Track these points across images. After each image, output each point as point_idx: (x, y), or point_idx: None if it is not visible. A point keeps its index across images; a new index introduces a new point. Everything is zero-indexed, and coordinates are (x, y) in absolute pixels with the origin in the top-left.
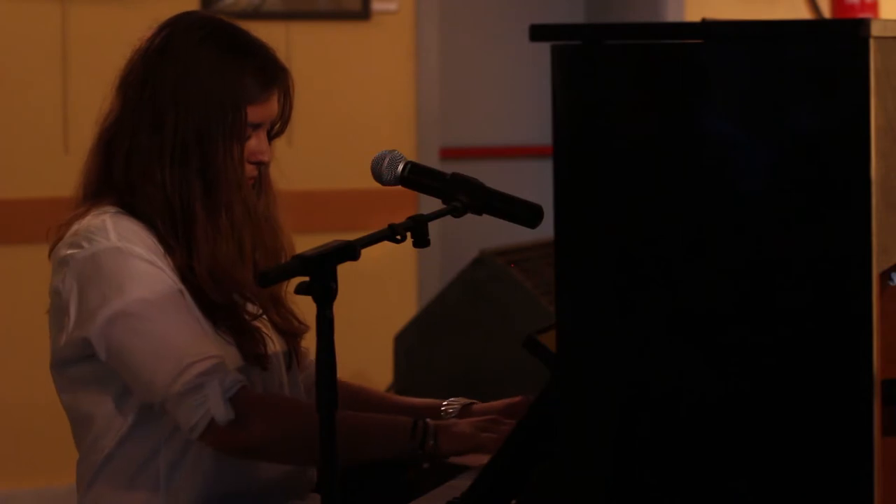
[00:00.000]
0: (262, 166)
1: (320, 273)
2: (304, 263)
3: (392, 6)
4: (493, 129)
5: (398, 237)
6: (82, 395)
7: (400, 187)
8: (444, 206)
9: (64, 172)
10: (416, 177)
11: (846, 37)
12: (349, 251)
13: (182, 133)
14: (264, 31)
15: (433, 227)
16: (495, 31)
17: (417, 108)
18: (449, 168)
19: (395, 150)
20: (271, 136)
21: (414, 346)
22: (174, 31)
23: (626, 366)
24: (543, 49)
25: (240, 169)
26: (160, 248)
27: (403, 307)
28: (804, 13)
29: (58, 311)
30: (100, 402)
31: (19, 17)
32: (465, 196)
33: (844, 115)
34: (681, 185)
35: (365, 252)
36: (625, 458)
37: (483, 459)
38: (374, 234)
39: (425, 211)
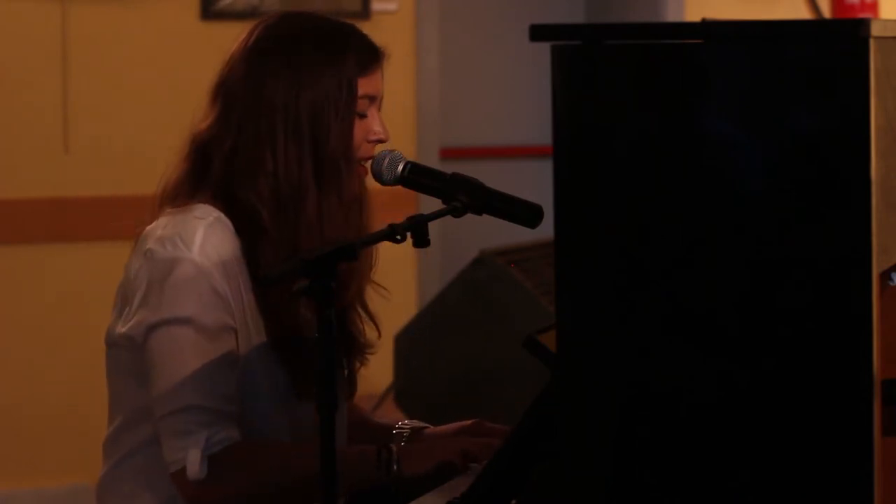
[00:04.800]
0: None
1: (320, 273)
2: (303, 264)
3: (392, 6)
4: (493, 129)
5: (398, 237)
6: (122, 380)
7: (400, 187)
8: (444, 206)
9: (64, 172)
10: (416, 177)
11: (846, 37)
12: (349, 251)
13: (294, 114)
14: None
15: (433, 227)
16: (495, 31)
17: (417, 108)
18: (449, 168)
19: (395, 150)
20: None
21: (414, 346)
22: (269, 28)
23: (626, 366)
24: (543, 49)
25: (351, 146)
26: (243, 262)
27: (403, 307)
28: (804, 13)
29: (125, 295)
30: (135, 395)
31: (19, 17)
32: (465, 196)
33: (844, 115)
34: (681, 185)
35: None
36: (625, 458)
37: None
38: (373, 234)
39: (425, 211)
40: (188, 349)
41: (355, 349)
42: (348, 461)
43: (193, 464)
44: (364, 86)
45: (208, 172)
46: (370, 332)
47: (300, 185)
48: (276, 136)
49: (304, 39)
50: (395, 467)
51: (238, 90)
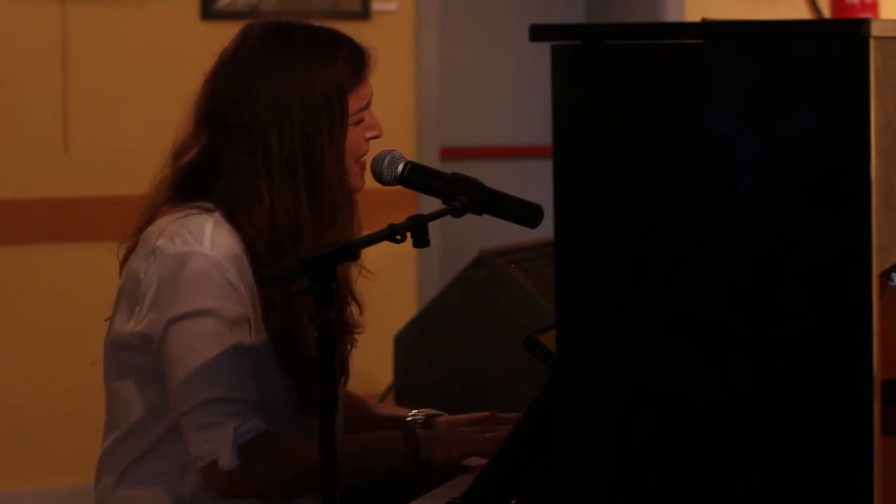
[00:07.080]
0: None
1: (320, 274)
2: (304, 264)
3: (392, 6)
4: (493, 129)
5: (398, 237)
6: (130, 383)
7: (400, 187)
8: (444, 206)
9: (64, 172)
10: (416, 177)
11: (846, 37)
12: (349, 251)
13: (288, 142)
14: None
15: (433, 227)
16: (495, 31)
17: (417, 108)
18: (449, 168)
19: (395, 150)
20: None
21: (414, 346)
22: (249, 48)
23: (626, 366)
24: (543, 49)
25: (344, 169)
26: (249, 263)
27: (403, 307)
28: (804, 13)
29: (132, 294)
30: (145, 396)
31: (19, 17)
32: (465, 196)
33: (844, 115)
34: (681, 185)
35: (364, 252)
36: (624, 458)
37: (480, 460)
38: (373, 234)
39: (425, 211)
40: (210, 341)
41: (345, 331)
42: (375, 447)
43: (224, 455)
44: (358, 97)
45: (202, 195)
46: (357, 314)
47: (297, 216)
48: (272, 169)
49: (289, 62)
50: (423, 453)
51: (228, 119)
